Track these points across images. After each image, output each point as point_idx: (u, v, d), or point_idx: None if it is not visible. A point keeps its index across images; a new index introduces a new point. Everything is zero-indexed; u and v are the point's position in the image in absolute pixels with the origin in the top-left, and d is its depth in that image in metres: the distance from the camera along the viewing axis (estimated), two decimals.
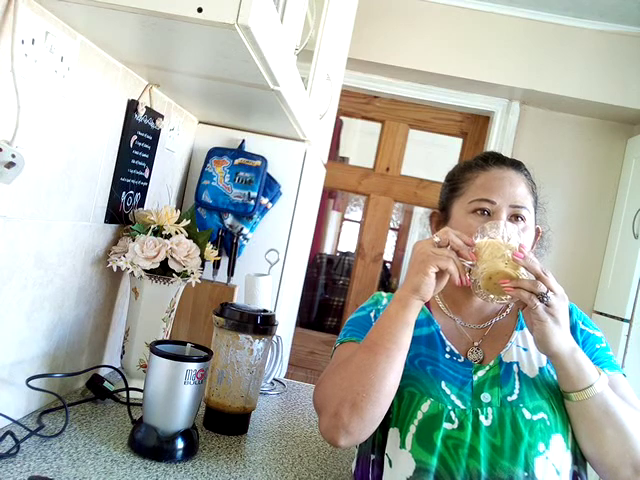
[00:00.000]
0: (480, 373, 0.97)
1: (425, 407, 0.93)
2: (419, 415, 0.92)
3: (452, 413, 0.92)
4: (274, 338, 1.45)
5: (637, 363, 2.48)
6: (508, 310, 1.06)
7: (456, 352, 1.00)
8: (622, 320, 2.51)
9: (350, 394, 0.88)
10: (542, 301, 0.85)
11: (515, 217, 1.00)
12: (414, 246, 0.93)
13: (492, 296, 0.90)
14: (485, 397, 0.94)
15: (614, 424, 0.88)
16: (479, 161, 1.06)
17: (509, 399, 0.93)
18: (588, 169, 2.84)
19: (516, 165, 1.06)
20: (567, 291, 0.89)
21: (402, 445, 0.91)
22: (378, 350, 0.89)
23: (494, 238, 0.90)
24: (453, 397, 0.94)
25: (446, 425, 0.91)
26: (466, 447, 0.89)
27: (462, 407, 0.93)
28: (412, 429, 0.92)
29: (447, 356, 0.99)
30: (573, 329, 1.01)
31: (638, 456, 0.87)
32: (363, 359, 0.90)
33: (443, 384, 0.95)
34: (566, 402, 0.92)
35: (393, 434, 0.93)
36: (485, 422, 0.91)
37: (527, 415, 0.91)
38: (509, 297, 0.88)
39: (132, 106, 1.22)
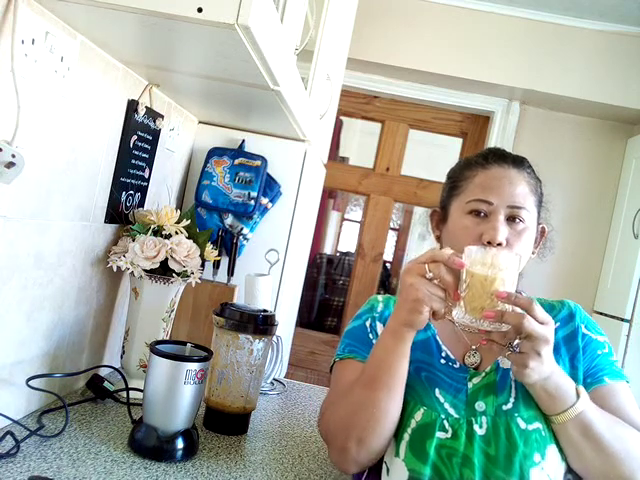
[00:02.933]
0: (475, 380, 0.95)
1: (418, 416, 0.92)
2: (412, 424, 0.92)
3: (445, 422, 0.91)
4: (274, 338, 1.45)
5: (637, 363, 2.49)
6: None
7: (452, 357, 0.98)
8: (622, 320, 2.51)
9: (355, 431, 0.89)
10: (513, 351, 0.83)
11: (513, 218, 0.96)
12: (403, 272, 0.88)
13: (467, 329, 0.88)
14: (479, 406, 0.92)
15: (593, 445, 0.86)
16: (479, 159, 1.02)
17: (504, 408, 0.92)
18: (588, 169, 2.84)
19: (518, 162, 1.01)
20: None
21: (396, 453, 0.91)
22: (377, 386, 0.89)
23: (477, 271, 0.83)
24: (447, 405, 0.93)
25: (439, 434, 0.90)
26: (460, 456, 0.88)
27: (455, 416, 0.92)
28: (406, 437, 0.91)
29: (442, 361, 0.98)
30: (575, 334, 0.99)
31: (624, 474, 0.86)
32: (363, 395, 0.90)
33: (437, 392, 0.94)
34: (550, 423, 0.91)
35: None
36: (479, 431, 0.90)
37: (522, 425, 0.90)
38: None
39: (132, 106, 1.22)
